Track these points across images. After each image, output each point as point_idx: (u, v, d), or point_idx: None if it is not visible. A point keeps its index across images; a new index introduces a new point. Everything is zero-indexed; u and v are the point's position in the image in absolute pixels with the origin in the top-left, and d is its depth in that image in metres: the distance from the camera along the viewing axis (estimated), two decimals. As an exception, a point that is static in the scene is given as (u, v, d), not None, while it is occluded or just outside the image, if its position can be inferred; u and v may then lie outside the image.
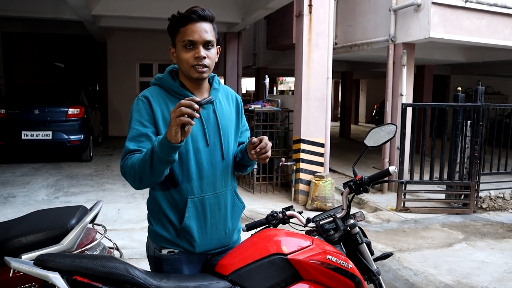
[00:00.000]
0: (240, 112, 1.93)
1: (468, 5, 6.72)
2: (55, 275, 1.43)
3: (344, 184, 2.02)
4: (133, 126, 1.67)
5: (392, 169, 1.84)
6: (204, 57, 1.66)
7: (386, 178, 1.97)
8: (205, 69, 1.68)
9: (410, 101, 7.27)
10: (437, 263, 4.27)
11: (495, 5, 6.90)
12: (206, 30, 1.66)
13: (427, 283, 3.80)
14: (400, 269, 4.07)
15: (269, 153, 1.71)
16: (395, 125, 2.03)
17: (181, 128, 1.41)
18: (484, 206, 6.27)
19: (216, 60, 1.75)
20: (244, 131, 1.97)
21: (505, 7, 6.99)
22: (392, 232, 5.22)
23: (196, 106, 1.38)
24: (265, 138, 1.70)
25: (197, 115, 1.39)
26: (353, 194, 1.99)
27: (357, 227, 1.99)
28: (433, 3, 6.47)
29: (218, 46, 1.75)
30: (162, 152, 1.46)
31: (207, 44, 1.67)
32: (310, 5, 6.24)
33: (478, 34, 6.97)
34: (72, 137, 8.49)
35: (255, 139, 1.70)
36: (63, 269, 1.46)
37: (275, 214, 2.01)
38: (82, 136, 8.64)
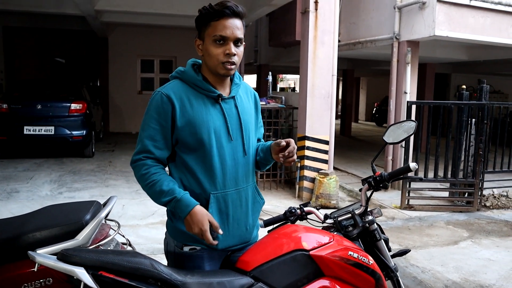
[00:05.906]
0: (258, 108, 1.93)
1: (473, 3, 6.74)
2: (81, 270, 1.42)
3: (362, 180, 2.03)
4: (150, 124, 1.68)
5: (413, 165, 1.84)
6: (234, 54, 1.66)
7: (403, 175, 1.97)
8: (233, 66, 1.68)
9: (414, 99, 7.27)
10: (444, 260, 4.27)
11: (499, 3, 6.91)
12: (238, 27, 1.66)
13: (435, 280, 3.81)
14: (408, 267, 4.08)
15: (295, 157, 1.73)
16: (415, 121, 2.02)
17: None
18: (487, 204, 6.29)
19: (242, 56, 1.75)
20: (260, 127, 1.97)
21: (510, 5, 7.01)
22: (397, 230, 5.23)
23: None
24: (293, 142, 1.72)
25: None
26: (372, 190, 1.99)
27: (375, 224, 1.99)
28: (438, 1, 6.47)
29: (244, 43, 1.74)
30: (174, 210, 1.70)
31: (237, 41, 1.67)
32: (316, 2, 6.22)
33: (482, 32, 6.98)
34: (74, 132, 8.45)
35: (283, 142, 1.70)
36: (88, 264, 1.45)
37: (293, 210, 2.01)
38: (85, 131, 8.59)
